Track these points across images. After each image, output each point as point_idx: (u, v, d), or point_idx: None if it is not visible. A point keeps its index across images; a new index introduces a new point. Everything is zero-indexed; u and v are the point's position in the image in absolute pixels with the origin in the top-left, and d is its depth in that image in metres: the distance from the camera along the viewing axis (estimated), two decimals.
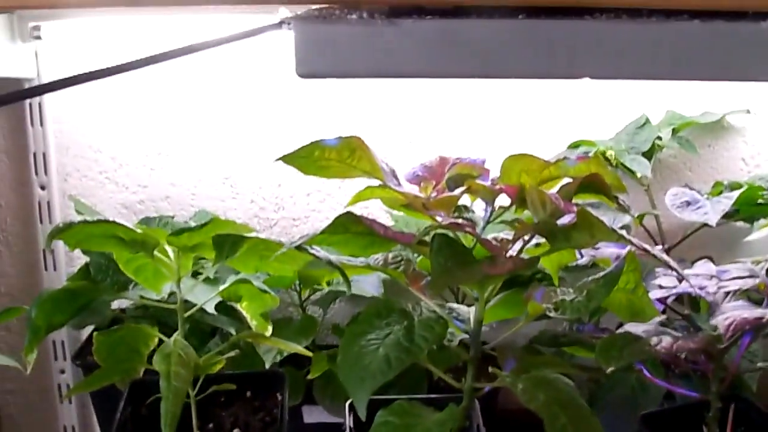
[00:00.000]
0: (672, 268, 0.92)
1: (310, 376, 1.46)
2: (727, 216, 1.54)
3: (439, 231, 0.99)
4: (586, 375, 1.31)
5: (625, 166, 1.57)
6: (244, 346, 1.44)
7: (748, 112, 1.68)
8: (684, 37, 1.00)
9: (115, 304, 1.58)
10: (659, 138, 1.63)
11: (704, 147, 1.73)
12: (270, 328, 1.31)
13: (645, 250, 0.92)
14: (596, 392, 1.46)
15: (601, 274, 1.04)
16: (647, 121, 1.65)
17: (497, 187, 1.02)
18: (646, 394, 1.40)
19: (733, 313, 1.03)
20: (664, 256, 0.93)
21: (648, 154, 1.60)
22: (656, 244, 1.64)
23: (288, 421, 1.59)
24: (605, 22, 0.99)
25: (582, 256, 1.18)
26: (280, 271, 1.24)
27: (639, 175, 1.57)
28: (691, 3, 1.01)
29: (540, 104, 1.69)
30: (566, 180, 1.02)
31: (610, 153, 1.58)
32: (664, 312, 1.20)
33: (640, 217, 1.57)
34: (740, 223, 1.58)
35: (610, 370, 1.00)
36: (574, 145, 1.63)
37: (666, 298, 1.16)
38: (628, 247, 1.04)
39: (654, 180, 1.70)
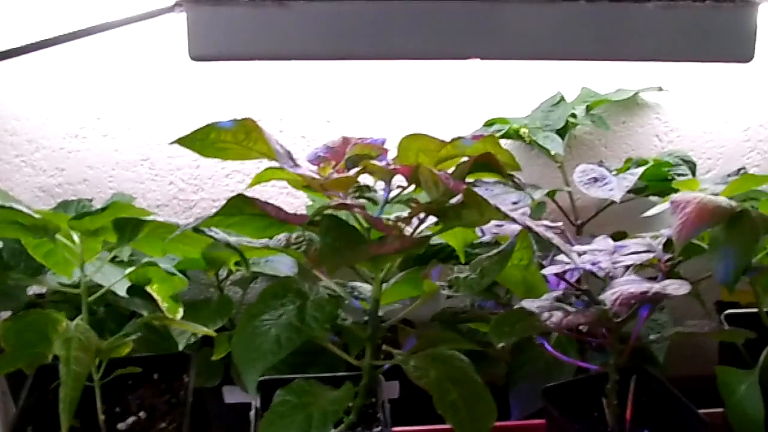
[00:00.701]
0: (555, 246, 0.94)
1: (213, 357, 1.47)
2: (638, 191, 1.57)
3: (330, 212, 1.00)
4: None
5: (539, 144, 1.58)
6: (162, 329, 1.45)
7: (660, 89, 1.70)
8: (571, 18, 1.01)
9: (36, 289, 1.57)
10: (573, 115, 1.64)
11: (619, 124, 1.75)
12: (181, 310, 1.32)
13: (528, 228, 0.94)
14: (513, 366, 1.48)
15: (495, 251, 1.06)
16: (562, 98, 1.66)
17: (392, 167, 1.03)
18: (559, 367, 1.42)
19: (621, 287, 1.05)
20: (548, 234, 0.95)
21: (562, 132, 1.61)
22: (570, 220, 1.66)
23: (209, 402, 1.61)
24: (493, 3, 1.00)
25: (483, 234, 1.19)
26: (186, 253, 1.24)
27: (552, 152, 1.59)
28: None
29: (463, 83, 1.69)
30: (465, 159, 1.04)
31: (523, 131, 1.59)
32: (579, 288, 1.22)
33: (552, 193, 1.58)
34: (656, 198, 1.60)
35: (500, 345, 1.02)
36: (489, 123, 1.64)
37: (564, 273, 1.17)
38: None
39: (570, 156, 1.72)
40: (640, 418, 1.24)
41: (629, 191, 1.52)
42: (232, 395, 1.59)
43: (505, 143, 1.70)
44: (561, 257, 1.21)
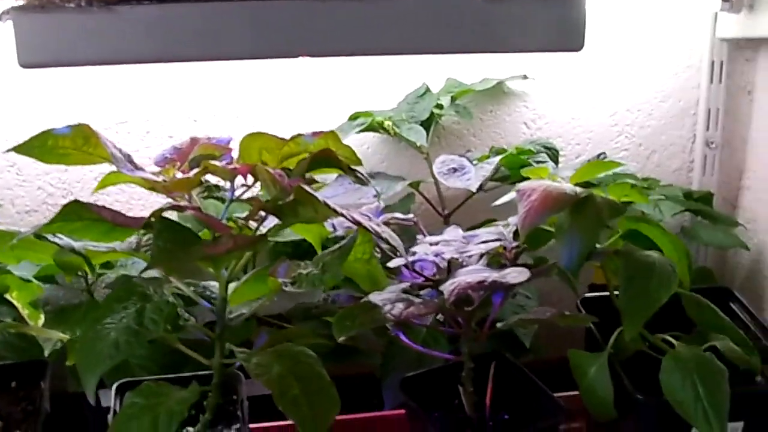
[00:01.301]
0: (383, 240, 0.96)
1: (67, 363, 1.46)
2: (503, 179, 1.60)
3: (165, 214, 1.00)
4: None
5: (403, 136, 1.60)
6: (31, 336, 1.44)
7: (525, 77, 1.72)
8: (397, 12, 1.03)
9: None
10: (439, 106, 1.66)
11: (486, 113, 1.78)
12: (42, 316, 1.31)
13: (358, 223, 0.96)
14: (385, 357, 1.50)
15: (335, 247, 1.07)
16: (428, 89, 1.67)
17: (231, 167, 1.04)
18: (430, 358, 1.44)
19: (460, 278, 1.07)
20: (379, 230, 0.96)
21: (427, 123, 1.63)
22: (438, 211, 1.68)
23: (86, 406, 1.60)
24: (319, 2, 1.01)
25: (335, 229, 1.20)
26: (39, 259, 1.24)
27: (418, 143, 1.60)
28: None
29: (333, 78, 1.69)
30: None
31: (387, 123, 1.60)
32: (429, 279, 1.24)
33: (415, 184, 1.60)
34: None
35: (341, 339, 1.03)
36: (354, 117, 1.64)
37: (414, 263, 1.19)
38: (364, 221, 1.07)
39: (439, 147, 1.75)
40: (500, 404, 1.26)
41: (494, 179, 1.55)
42: (108, 398, 1.58)
43: (372, 136, 1.72)
44: (415, 248, 1.23)
